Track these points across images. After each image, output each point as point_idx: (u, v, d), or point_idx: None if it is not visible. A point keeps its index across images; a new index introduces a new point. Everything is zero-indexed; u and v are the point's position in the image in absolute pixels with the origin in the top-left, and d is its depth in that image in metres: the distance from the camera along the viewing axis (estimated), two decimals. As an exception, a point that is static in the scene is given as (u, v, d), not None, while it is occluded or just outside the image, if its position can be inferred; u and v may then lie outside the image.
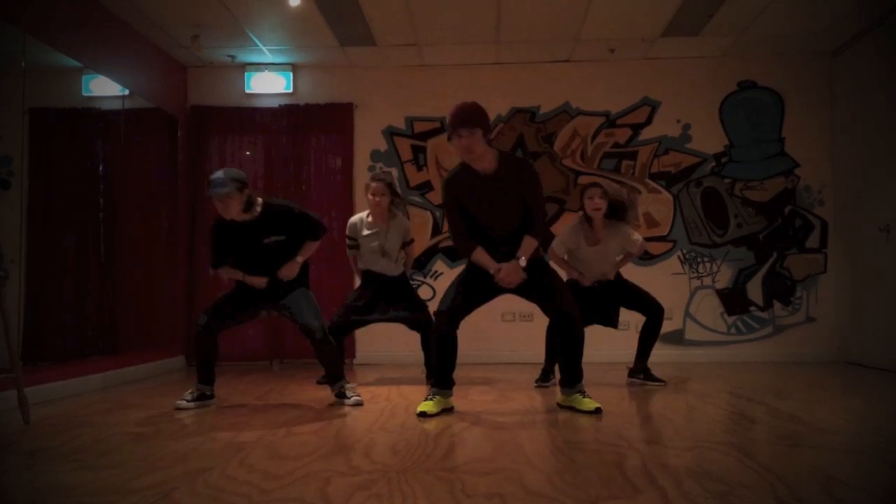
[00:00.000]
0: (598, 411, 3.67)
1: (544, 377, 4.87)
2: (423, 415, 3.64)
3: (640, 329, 4.97)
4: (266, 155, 6.81)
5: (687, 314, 6.64)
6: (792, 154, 6.66)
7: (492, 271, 3.74)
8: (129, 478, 2.46)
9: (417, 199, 6.76)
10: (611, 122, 6.74)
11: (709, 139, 6.70)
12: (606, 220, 4.77)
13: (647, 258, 6.59)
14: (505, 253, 3.78)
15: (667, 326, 6.54)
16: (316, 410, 3.94)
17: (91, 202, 5.33)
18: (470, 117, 3.66)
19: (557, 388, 4.67)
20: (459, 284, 3.86)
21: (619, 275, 4.92)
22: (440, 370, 3.83)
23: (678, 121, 6.72)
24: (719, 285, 6.64)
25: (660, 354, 6.48)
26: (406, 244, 5.12)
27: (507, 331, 6.48)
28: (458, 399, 4.16)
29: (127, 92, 5.68)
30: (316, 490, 2.27)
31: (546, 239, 4.03)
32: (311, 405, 4.13)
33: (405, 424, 3.47)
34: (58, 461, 2.76)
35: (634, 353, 5.01)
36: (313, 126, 6.79)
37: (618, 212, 4.78)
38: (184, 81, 6.82)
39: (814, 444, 2.95)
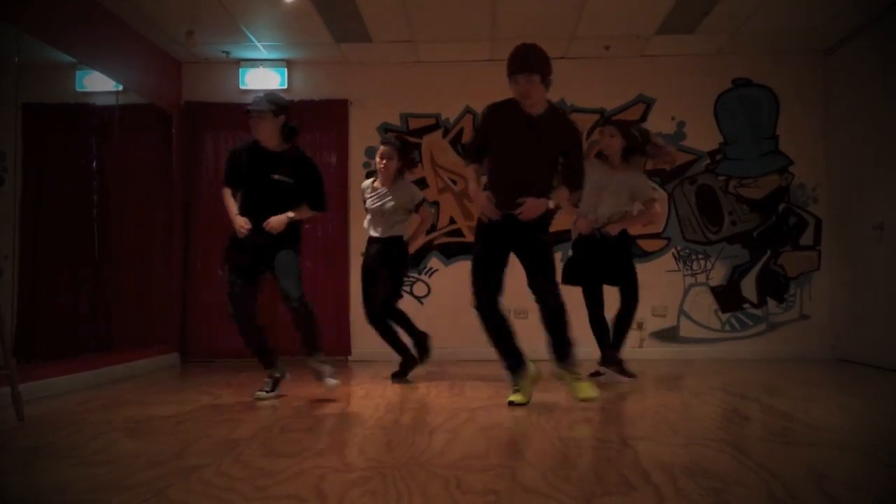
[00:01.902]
0: (590, 399, 3.71)
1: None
2: (512, 404, 3.72)
3: (615, 316, 4.85)
4: (261, 151, 6.78)
5: (681, 311, 6.65)
6: (786, 152, 6.68)
7: (471, 188, 3.82)
8: (124, 475, 2.46)
9: (412, 195, 6.75)
10: (606, 119, 6.74)
11: (703, 137, 6.71)
12: (623, 160, 4.81)
13: (641, 255, 6.60)
14: (510, 201, 3.70)
15: (661, 323, 6.61)
16: (311, 407, 3.94)
17: (85, 198, 5.30)
18: (527, 62, 3.61)
19: (559, 390, 4.66)
20: (479, 266, 3.78)
21: (625, 235, 4.83)
22: (505, 353, 3.82)
23: (673, 118, 6.73)
24: (713, 282, 6.66)
25: (654, 351, 6.52)
26: (418, 205, 5.10)
27: (502, 328, 6.48)
28: (454, 396, 4.17)
29: (121, 88, 5.66)
30: (311, 487, 2.27)
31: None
32: (306, 402, 4.13)
33: (400, 421, 3.48)
34: (52, 458, 2.76)
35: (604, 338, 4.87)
36: (308, 123, 6.74)
37: (635, 150, 4.79)
38: (178, 77, 6.79)
39: (808, 442, 2.96)
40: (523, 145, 3.73)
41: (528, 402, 3.76)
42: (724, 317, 6.65)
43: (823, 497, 2.13)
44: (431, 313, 6.38)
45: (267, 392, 4.21)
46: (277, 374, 4.29)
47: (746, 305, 6.63)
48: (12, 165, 4.45)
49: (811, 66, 6.66)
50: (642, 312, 6.52)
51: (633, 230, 5.08)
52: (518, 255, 3.84)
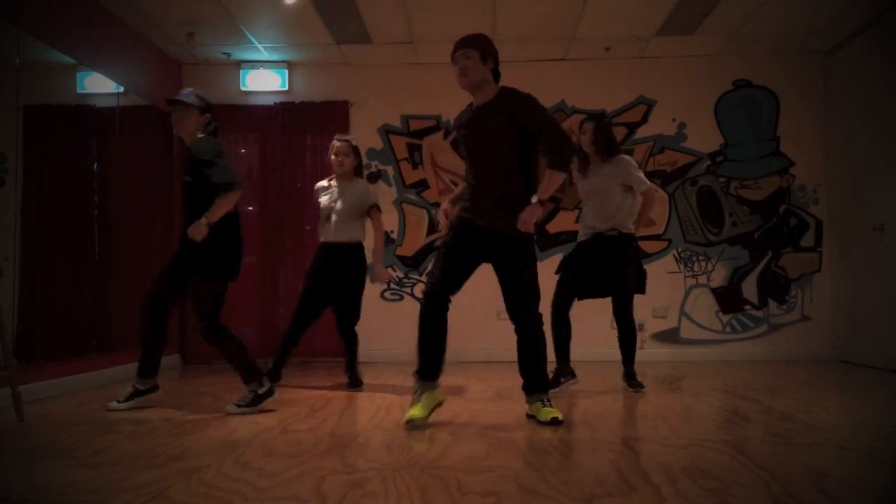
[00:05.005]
0: (554, 422, 3.33)
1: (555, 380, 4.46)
2: (411, 422, 3.28)
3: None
4: (261, 153, 6.79)
5: (682, 312, 6.65)
6: (787, 153, 6.68)
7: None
8: (124, 476, 2.46)
9: (413, 196, 6.76)
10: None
11: (704, 138, 6.71)
12: (604, 156, 4.49)
13: (642, 256, 6.58)
14: (482, 207, 3.42)
15: (662, 325, 6.61)
16: (311, 408, 3.94)
17: (85, 199, 5.31)
18: (466, 40, 3.41)
19: (558, 393, 4.66)
20: (440, 257, 3.48)
21: (632, 243, 4.55)
22: (425, 358, 3.43)
23: (674, 119, 6.73)
24: (714, 284, 6.66)
25: (655, 353, 6.52)
26: (370, 209, 4.82)
27: (502, 329, 6.44)
28: (454, 397, 4.16)
29: (122, 89, 5.67)
30: (311, 488, 2.27)
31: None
32: (307, 403, 4.13)
33: (400, 422, 3.47)
34: (52, 459, 2.76)
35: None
36: (308, 124, 6.77)
37: (611, 147, 4.52)
38: (178, 79, 6.79)
39: (808, 442, 2.96)
40: (479, 136, 3.45)
41: (426, 418, 3.32)
42: (725, 318, 6.64)
43: (822, 497, 2.13)
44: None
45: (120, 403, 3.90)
46: (141, 387, 3.96)
47: (747, 307, 6.63)
48: (13, 167, 4.46)
49: (812, 67, 6.67)
50: (643, 314, 6.56)
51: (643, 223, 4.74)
52: (496, 272, 3.52)
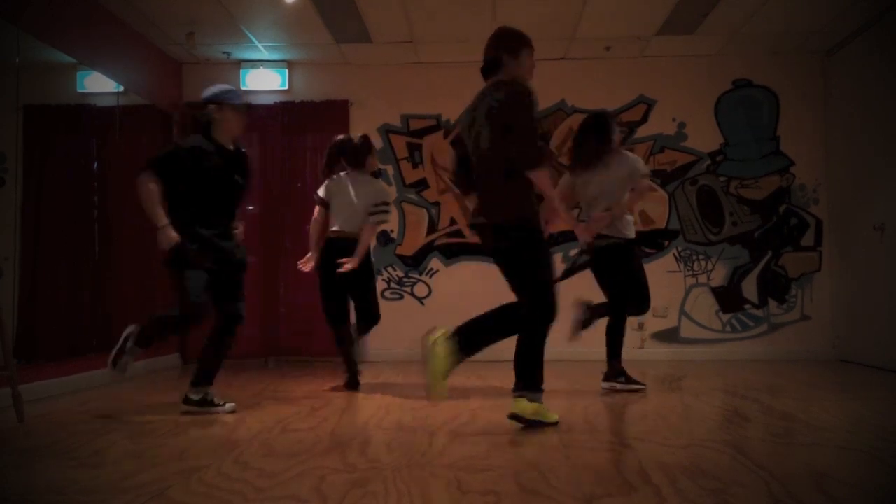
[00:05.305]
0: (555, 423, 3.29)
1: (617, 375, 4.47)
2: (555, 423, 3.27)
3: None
4: (261, 152, 6.78)
5: (682, 312, 6.65)
6: (787, 152, 6.68)
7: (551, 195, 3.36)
8: (124, 476, 2.46)
9: (413, 196, 6.76)
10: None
11: (704, 137, 6.71)
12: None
13: (643, 256, 6.58)
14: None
15: (662, 324, 6.61)
16: (311, 408, 3.94)
17: (86, 199, 5.31)
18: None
19: (558, 393, 4.64)
20: (552, 268, 3.38)
21: (631, 247, 4.60)
22: (540, 367, 3.41)
23: (674, 119, 6.73)
24: (714, 283, 6.66)
25: (655, 352, 6.52)
26: (380, 206, 4.86)
27: (503, 329, 6.48)
28: (455, 397, 4.16)
29: (122, 89, 5.67)
30: (311, 488, 2.27)
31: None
32: (307, 403, 4.13)
33: (401, 422, 3.47)
34: (52, 459, 2.76)
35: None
36: (308, 123, 6.77)
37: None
38: (178, 78, 6.80)
39: (808, 442, 2.97)
40: None
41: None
42: (725, 317, 6.64)
43: (822, 497, 2.13)
44: (432, 314, 6.38)
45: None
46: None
47: (747, 306, 6.63)
48: (13, 167, 4.46)
49: (812, 66, 6.66)
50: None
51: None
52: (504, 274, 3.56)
